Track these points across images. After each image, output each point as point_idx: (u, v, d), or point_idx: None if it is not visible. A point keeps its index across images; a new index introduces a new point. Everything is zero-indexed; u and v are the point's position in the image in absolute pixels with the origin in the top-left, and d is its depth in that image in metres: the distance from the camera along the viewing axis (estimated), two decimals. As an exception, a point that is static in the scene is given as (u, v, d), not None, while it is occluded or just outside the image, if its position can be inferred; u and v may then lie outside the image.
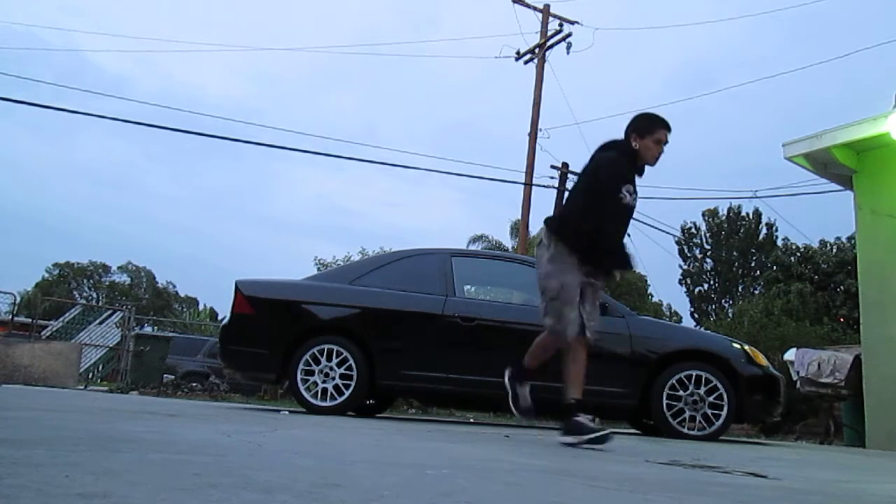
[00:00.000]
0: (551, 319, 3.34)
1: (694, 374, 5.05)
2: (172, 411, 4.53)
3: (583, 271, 3.33)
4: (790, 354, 8.60)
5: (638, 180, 3.47)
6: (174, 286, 47.88)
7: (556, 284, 3.31)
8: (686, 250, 29.40)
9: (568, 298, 3.28)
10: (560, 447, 3.14)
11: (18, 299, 16.36)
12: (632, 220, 3.59)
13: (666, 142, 3.39)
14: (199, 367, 14.52)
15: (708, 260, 29.05)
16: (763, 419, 6.34)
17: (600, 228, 3.31)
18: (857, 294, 7.77)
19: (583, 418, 3.17)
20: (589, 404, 3.39)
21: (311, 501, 1.28)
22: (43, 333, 15.04)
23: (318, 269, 21.61)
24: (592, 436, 3.07)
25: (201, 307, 40.35)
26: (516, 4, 15.85)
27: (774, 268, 22.08)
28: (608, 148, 3.48)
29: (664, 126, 3.38)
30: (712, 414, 5.02)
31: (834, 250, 20.07)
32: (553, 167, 16.30)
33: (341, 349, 5.14)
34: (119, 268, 46.23)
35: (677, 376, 5.06)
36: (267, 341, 5.33)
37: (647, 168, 3.46)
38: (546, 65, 15.89)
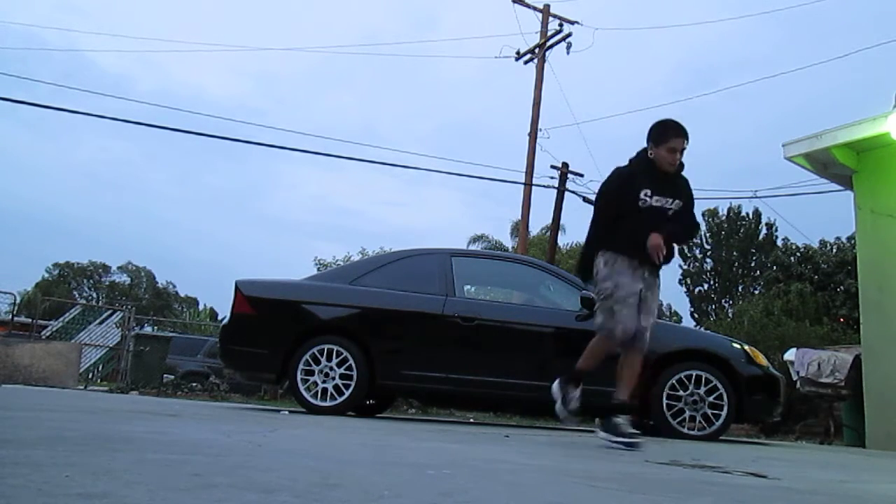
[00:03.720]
0: (602, 317, 3.47)
1: (694, 374, 5.05)
2: (172, 411, 4.53)
3: (639, 274, 3.47)
4: (790, 354, 8.60)
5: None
6: (174, 286, 47.93)
7: (609, 284, 3.45)
8: (686, 250, 29.35)
9: (621, 297, 3.40)
10: (559, 446, 3.14)
11: (18, 299, 16.38)
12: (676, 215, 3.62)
13: (682, 149, 3.52)
14: (199, 367, 14.51)
15: (708, 260, 29.01)
16: (763, 419, 6.34)
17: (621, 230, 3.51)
18: (857, 294, 7.77)
19: (622, 419, 3.38)
20: (627, 407, 3.56)
21: (311, 501, 1.28)
22: (43, 333, 15.04)
23: (318, 269, 21.61)
24: (623, 440, 3.27)
25: (201, 307, 40.37)
26: (516, 4, 15.85)
27: (774, 268, 22.07)
28: (630, 161, 3.64)
29: (678, 134, 3.51)
30: (712, 414, 5.02)
31: (834, 250, 20.08)
32: (553, 167, 16.28)
33: (341, 349, 5.14)
34: (119, 268, 46.28)
35: (677, 376, 5.05)
36: (267, 341, 5.33)
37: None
38: (546, 65, 15.88)
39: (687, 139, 3.51)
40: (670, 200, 3.55)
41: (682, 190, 3.63)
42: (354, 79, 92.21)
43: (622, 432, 3.31)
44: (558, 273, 6.12)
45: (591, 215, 3.70)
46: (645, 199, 3.49)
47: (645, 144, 3.58)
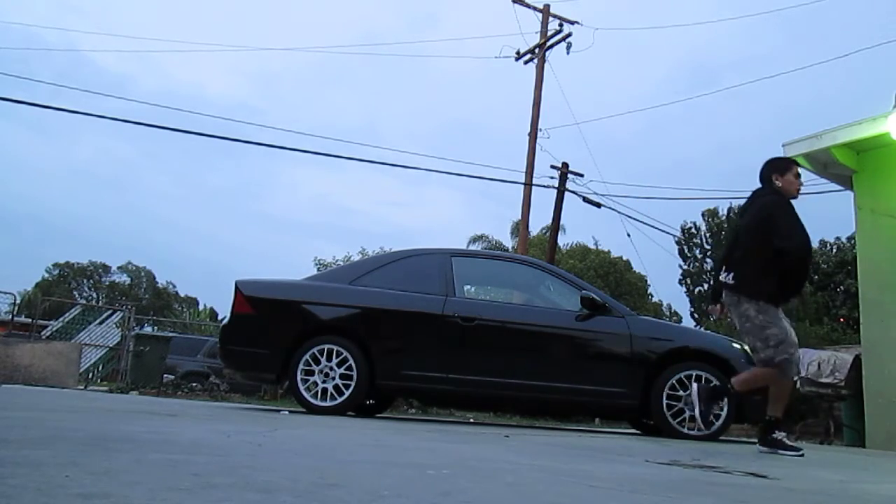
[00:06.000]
0: (771, 352, 3.72)
1: (694, 373, 5.05)
2: (172, 411, 4.53)
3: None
4: (790, 354, 8.57)
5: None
6: (174, 286, 47.96)
7: (777, 331, 3.72)
8: (686, 250, 29.38)
9: (792, 340, 3.74)
10: (558, 447, 3.14)
11: (18, 299, 16.37)
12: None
13: (800, 175, 3.85)
14: (199, 367, 14.49)
15: (708, 260, 29.02)
16: (763, 419, 6.32)
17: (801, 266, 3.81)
18: (857, 294, 7.76)
19: (780, 435, 3.77)
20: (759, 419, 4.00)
21: (311, 501, 1.28)
22: (43, 333, 15.04)
23: (318, 269, 21.63)
24: (789, 452, 3.68)
25: (201, 307, 40.39)
26: (516, 4, 15.86)
27: (774, 268, 22.00)
28: (762, 195, 3.84)
29: (796, 163, 3.92)
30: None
31: (834, 250, 20.09)
32: (553, 167, 16.29)
33: (341, 349, 5.14)
34: (119, 268, 46.31)
35: (677, 376, 5.05)
36: (267, 341, 5.33)
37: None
38: (546, 65, 15.88)
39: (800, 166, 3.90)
40: None
41: None
42: (354, 78, 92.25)
43: (787, 445, 3.74)
44: (558, 273, 6.11)
45: (760, 237, 3.70)
46: None
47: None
